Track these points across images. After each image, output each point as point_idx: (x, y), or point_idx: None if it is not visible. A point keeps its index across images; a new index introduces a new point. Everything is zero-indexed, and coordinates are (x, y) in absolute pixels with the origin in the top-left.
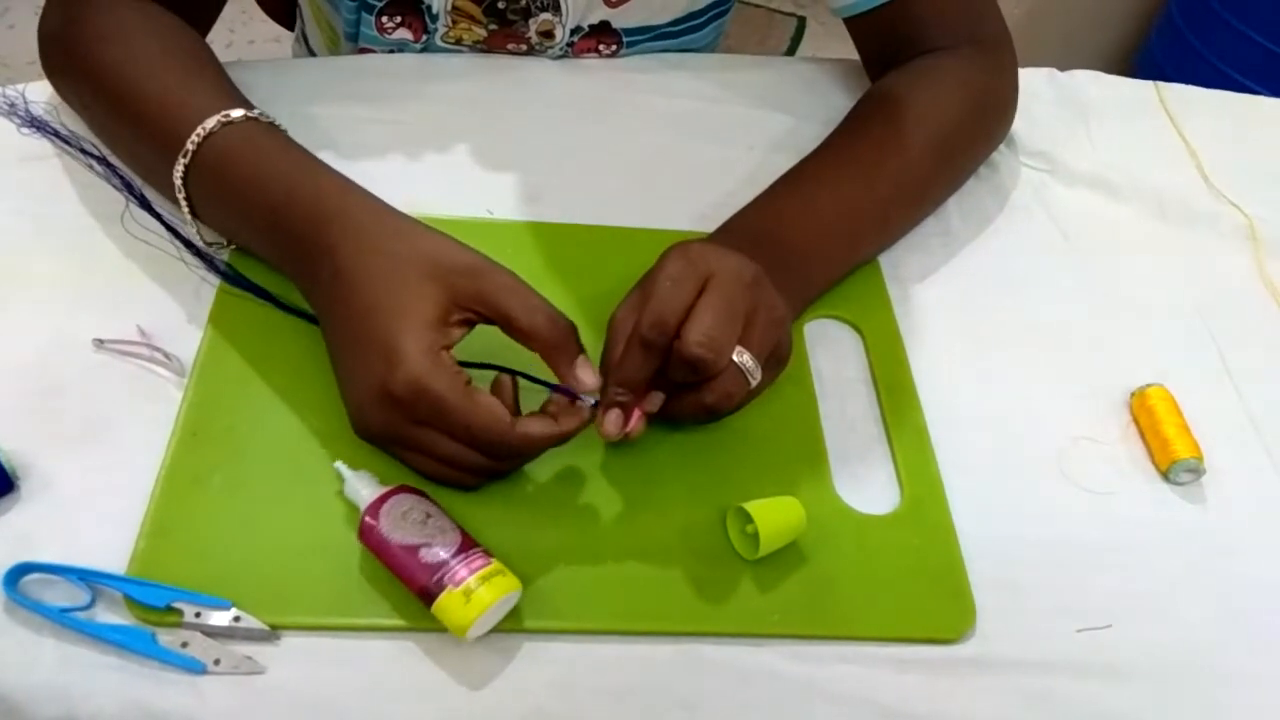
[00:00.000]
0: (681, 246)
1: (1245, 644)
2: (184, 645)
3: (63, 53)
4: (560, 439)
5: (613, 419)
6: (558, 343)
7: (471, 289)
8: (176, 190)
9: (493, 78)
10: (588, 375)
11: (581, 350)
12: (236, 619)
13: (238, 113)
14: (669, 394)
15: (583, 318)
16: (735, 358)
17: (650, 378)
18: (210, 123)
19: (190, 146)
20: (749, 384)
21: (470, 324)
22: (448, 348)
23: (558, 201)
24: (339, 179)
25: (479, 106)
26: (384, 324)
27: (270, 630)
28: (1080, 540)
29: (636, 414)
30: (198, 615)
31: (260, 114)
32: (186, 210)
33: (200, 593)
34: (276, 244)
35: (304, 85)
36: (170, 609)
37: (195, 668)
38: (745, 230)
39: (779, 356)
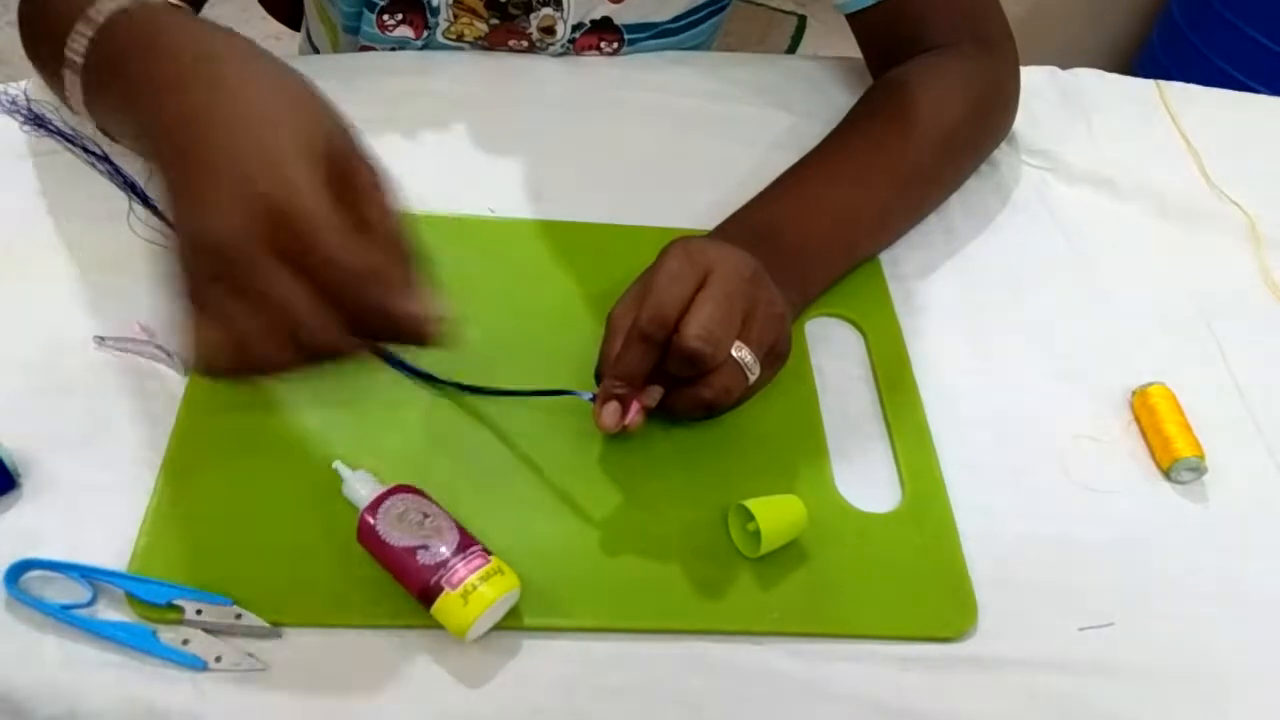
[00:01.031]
0: (681, 242)
1: (1247, 642)
2: (185, 642)
3: (30, 23)
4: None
5: (610, 411)
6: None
7: (345, 147)
8: (68, 65)
9: (494, 75)
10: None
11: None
12: (238, 616)
13: None
14: (667, 388)
15: (584, 316)
16: (734, 353)
17: (649, 371)
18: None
19: (86, 30)
20: (747, 379)
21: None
22: None
23: (559, 199)
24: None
25: (480, 104)
26: (269, 136)
27: (271, 627)
28: (1082, 539)
29: (635, 407)
30: (199, 612)
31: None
32: (73, 97)
33: (201, 590)
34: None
35: None
36: (171, 606)
37: (196, 665)
38: (745, 227)
39: (778, 353)
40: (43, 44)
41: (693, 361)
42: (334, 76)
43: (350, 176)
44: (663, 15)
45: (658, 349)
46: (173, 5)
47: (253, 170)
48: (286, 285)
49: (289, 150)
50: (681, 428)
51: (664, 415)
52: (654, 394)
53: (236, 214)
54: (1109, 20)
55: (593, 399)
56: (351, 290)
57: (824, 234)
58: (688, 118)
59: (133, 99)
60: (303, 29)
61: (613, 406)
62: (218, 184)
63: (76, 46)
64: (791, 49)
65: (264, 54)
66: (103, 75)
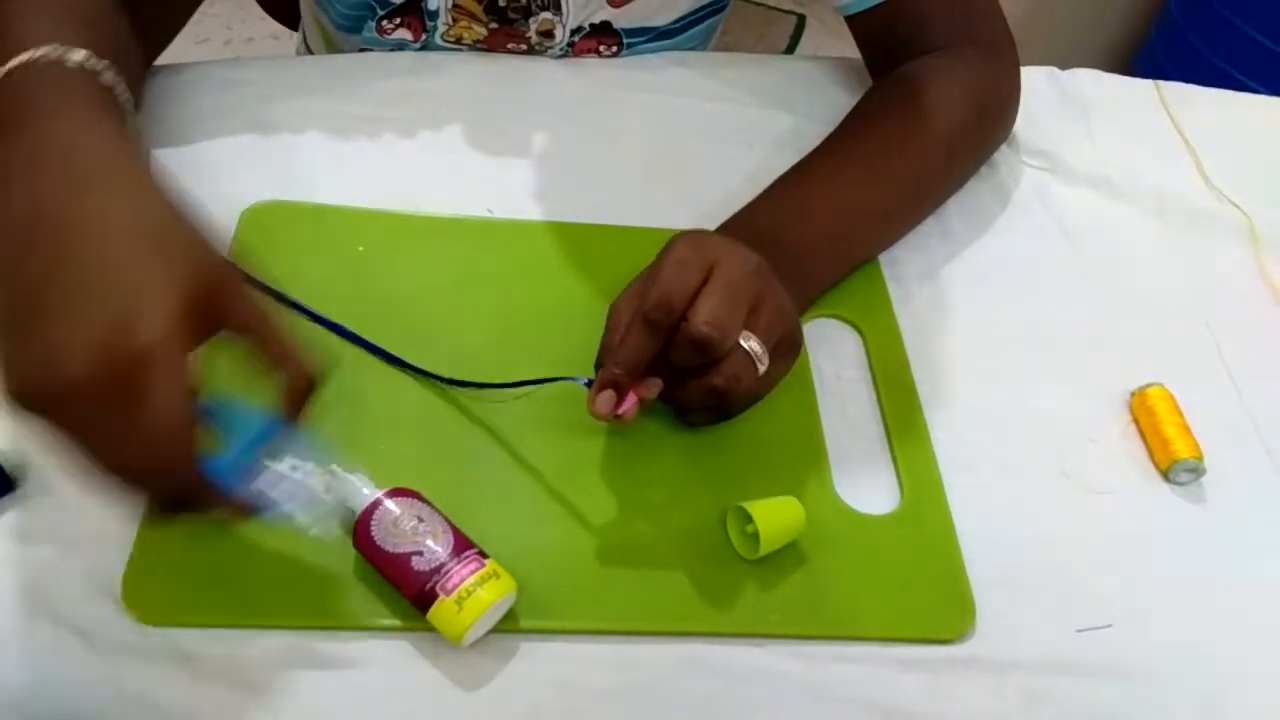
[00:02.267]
0: (688, 234)
1: (1246, 644)
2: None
3: None
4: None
5: (604, 398)
6: (296, 373)
7: (218, 277)
8: None
9: (493, 76)
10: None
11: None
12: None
13: (77, 54)
14: (670, 383)
15: (582, 316)
16: (742, 343)
17: (650, 360)
18: (42, 50)
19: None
20: (756, 369)
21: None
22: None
23: (558, 200)
24: (107, 134)
25: (479, 104)
26: (125, 279)
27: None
28: (1080, 540)
29: (631, 397)
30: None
31: (105, 68)
32: None
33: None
34: None
35: (302, 83)
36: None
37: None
38: (746, 227)
39: (790, 345)
40: None
41: (701, 348)
42: (333, 77)
43: (221, 301)
44: (662, 19)
45: (661, 336)
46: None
47: (101, 320)
48: (99, 431)
49: (159, 307)
50: (682, 429)
51: (676, 411)
52: (653, 385)
53: (74, 358)
54: (1108, 20)
55: (589, 384)
56: (164, 445)
57: (825, 234)
58: (686, 118)
59: None
60: (300, 29)
61: (607, 394)
62: (64, 317)
63: None
64: (790, 48)
65: (138, 182)
66: None
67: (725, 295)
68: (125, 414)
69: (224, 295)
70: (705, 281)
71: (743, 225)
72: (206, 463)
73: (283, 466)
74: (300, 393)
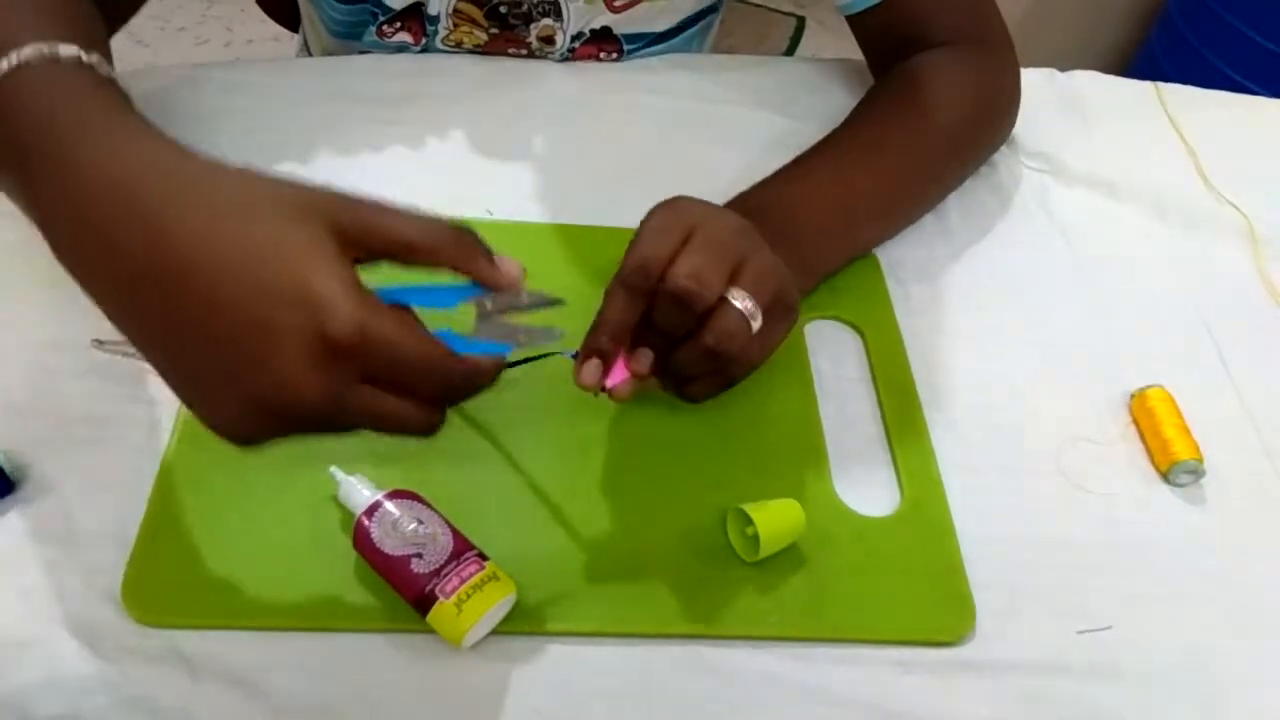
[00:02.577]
0: (666, 201)
1: (1245, 646)
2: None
3: None
4: (500, 366)
5: (591, 368)
6: (467, 246)
7: (356, 220)
8: None
9: (492, 77)
10: (510, 264)
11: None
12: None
13: (69, 50)
14: (662, 354)
15: (582, 317)
16: (732, 300)
17: (632, 324)
18: (27, 51)
19: None
20: (749, 326)
21: (358, 263)
22: None
23: (557, 202)
24: (152, 129)
25: (479, 106)
26: (279, 270)
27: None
28: (1080, 542)
29: (620, 369)
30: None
31: (99, 61)
32: None
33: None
34: (52, 194)
35: (303, 84)
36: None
37: (504, 349)
38: (740, 206)
39: (785, 307)
40: None
41: (681, 302)
42: (333, 79)
43: (371, 229)
44: (663, 23)
45: (642, 300)
46: (85, 70)
47: (305, 324)
48: (370, 399)
49: (333, 281)
50: (681, 429)
51: (678, 393)
52: (643, 357)
53: (314, 379)
54: (1107, 22)
55: (575, 357)
56: (433, 385)
57: (822, 216)
58: (686, 120)
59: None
60: (300, 32)
61: (594, 363)
62: (268, 361)
63: None
64: (790, 50)
65: (209, 178)
66: None
67: (705, 252)
68: (386, 385)
69: (364, 233)
70: (687, 241)
71: (737, 204)
72: (458, 345)
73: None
74: (470, 259)
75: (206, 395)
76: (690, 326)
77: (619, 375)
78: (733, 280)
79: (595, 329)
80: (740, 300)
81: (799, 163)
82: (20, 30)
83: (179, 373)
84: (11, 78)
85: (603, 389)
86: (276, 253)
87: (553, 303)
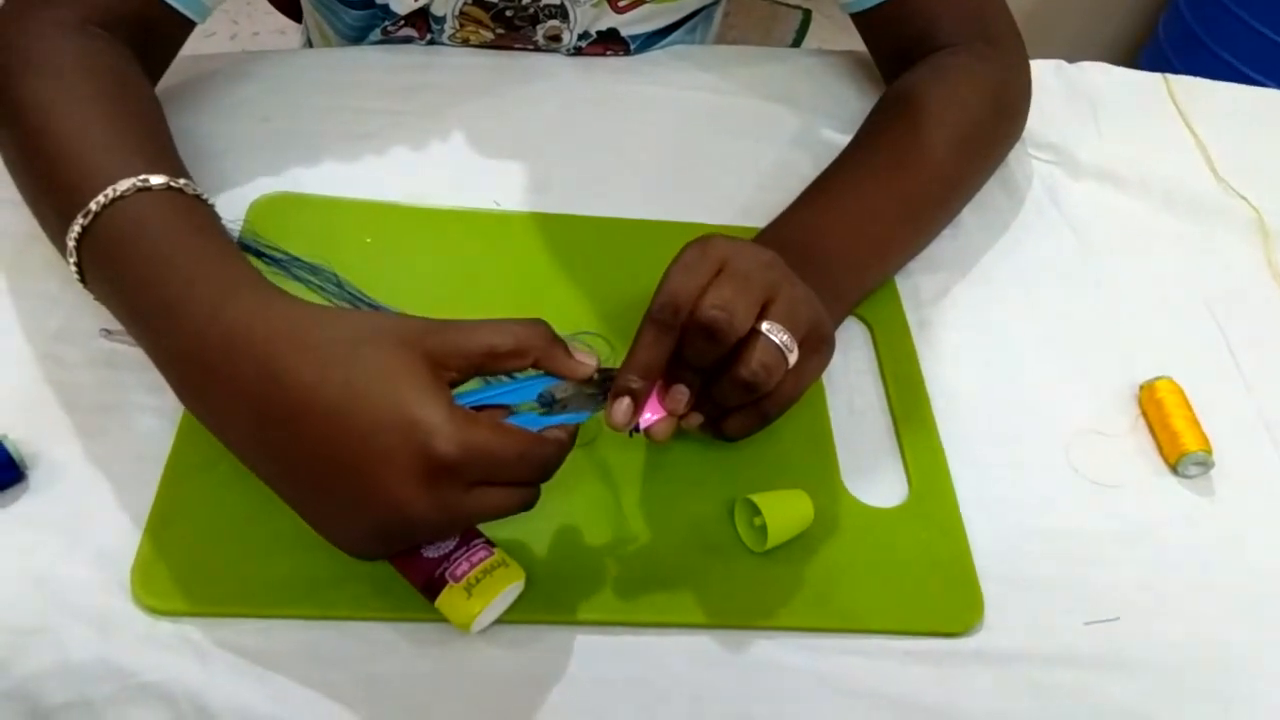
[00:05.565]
0: (696, 239)
1: (1254, 637)
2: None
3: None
4: (574, 434)
5: (622, 407)
6: (548, 342)
7: (444, 344)
8: (68, 255)
9: (500, 69)
10: (585, 357)
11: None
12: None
13: (158, 179)
14: (698, 393)
15: (589, 310)
16: (769, 334)
17: (663, 362)
18: (123, 185)
19: (93, 207)
20: (786, 360)
21: (454, 385)
22: None
23: (565, 193)
24: (252, 274)
25: (486, 98)
26: (383, 404)
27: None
28: (1088, 533)
29: (655, 406)
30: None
31: (187, 184)
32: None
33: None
34: (171, 346)
35: (310, 76)
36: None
37: (581, 417)
38: (772, 240)
39: (820, 338)
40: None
41: (710, 333)
42: (340, 71)
43: (460, 349)
44: (667, 22)
45: (672, 336)
46: (190, 206)
47: (410, 449)
48: (482, 499)
49: (429, 406)
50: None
51: (715, 434)
52: (679, 394)
53: (426, 497)
54: (1116, 14)
55: (605, 395)
56: (530, 473)
57: (852, 244)
58: (693, 112)
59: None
60: (304, 23)
61: (624, 403)
62: (380, 486)
63: (74, 233)
64: (796, 43)
65: (307, 318)
66: (106, 270)
67: (734, 284)
68: (488, 487)
69: (452, 354)
70: (717, 276)
71: (765, 237)
72: (536, 423)
73: (560, 391)
74: (552, 358)
75: (334, 523)
76: (720, 357)
77: (654, 413)
78: (765, 313)
79: (624, 368)
80: (776, 334)
81: (821, 189)
82: (108, 158)
83: (306, 504)
84: (112, 212)
85: (637, 429)
86: (379, 388)
87: (611, 378)
